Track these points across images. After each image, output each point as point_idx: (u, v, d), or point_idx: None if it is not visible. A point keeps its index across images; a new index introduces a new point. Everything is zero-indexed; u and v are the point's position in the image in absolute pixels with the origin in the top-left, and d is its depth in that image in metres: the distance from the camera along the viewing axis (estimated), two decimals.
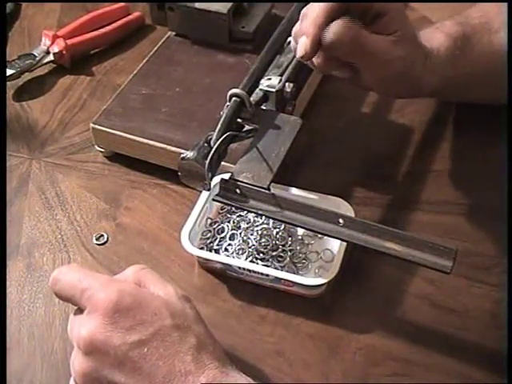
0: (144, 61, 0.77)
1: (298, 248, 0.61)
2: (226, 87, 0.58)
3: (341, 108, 0.76)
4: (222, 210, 0.64)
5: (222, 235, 0.62)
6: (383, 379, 0.53)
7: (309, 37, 0.54)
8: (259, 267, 0.58)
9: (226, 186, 0.54)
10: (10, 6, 0.91)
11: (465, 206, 0.64)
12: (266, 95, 0.62)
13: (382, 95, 0.71)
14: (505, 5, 0.62)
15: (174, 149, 0.66)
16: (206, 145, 0.55)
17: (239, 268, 0.58)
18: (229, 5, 0.75)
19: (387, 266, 0.59)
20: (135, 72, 0.75)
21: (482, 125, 0.71)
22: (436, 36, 0.61)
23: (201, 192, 0.62)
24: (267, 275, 0.57)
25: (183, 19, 0.78)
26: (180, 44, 0.79)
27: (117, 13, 0.88)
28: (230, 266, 0.58)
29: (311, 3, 0.56)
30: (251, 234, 0.62)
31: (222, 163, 0.56)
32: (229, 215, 0.64)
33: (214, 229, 0.63)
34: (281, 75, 0.63)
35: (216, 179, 0.56)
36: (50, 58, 0.81)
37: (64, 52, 0.81)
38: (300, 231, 0.62)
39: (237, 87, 0.58)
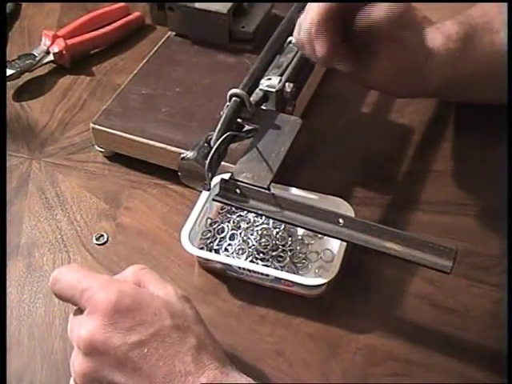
0: (144, 61, 0.77)
1: (298, 248, 0.61)
2: (225, 87, 0.58)
3: (341, 108, 0.76)
4: (222, 209, 0.64)
5: (222, 235, 0.62)
6: (383, 379, 0.53)
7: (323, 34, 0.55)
8: (259, 267, 0.58)
9: (226, 186, 0.54)
10: (10, 5, 0.91)
11: (465, 206, 0.64)
12: (265, 95, 0.62)
13: (383, 93, 0.71)
14: (505, 5, 0.62)
15: (174, 149, 0.66)
16: (205, 145, 0.55)
17: (239, 268, 0.58)
18: (229, 5, 0.75)
19: (387, 266, 0.60)
20: (135, 72, 0.75)
21: (482, 125, 0.71)
22: (437, 36, 0.61)
23: (201, 192, 0.62)
24: (267, 275, 0.57)
25: (183, 19, 0.78)
26: (180, 44, 0.79)
27: (117, 13, 0.88)
28: (230, 265, 0.58)
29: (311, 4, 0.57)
30: (251, 234, 0.62)
31: (222, 163, 0.56)
32: (229, 215, 0.64)
33: (214, 229, 0.63)
34: (281, 75, 0.63)
35: (216, 179, 0.56)
36: (50, 58, 0.81)
37: (64, 52, 0.81)
38: (300, 231, 0.62)
39: (237, 87, 0.58)
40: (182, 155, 0.54)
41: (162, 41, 0.80)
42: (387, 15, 0.55)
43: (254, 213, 0.56)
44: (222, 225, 0.63)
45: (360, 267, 0.60)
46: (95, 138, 0.70)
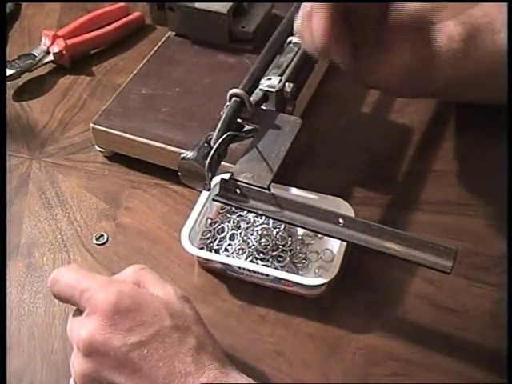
0: (144, 61, 0.77)
1: (298, 248, 0.61)
2: (225, 87, 0.58)
3: (341, 108, 0.76)
4: (222, 210, 0.64)
5: (222, 235, 0.62)
6: (383, 379, 0.53)
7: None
8: (259, 267, 0.58)
9: (226, 186, 0.54)
10: (10, 5, 0.91)
11: (465, 206, 0.64)
12: (265, 95, 0.62)
13: (383, 92, 0.70)
14: (505, 5, 0.62)
15: (174, 149, 0.66)
16: (206, 145, 0.55)
17: (239, 268, 0.58)
18: (229, 5, 0.75)
19: (387, 266, 0.60)
20: (135, 72, 0.75)
21: (482, 125, 0.71)
22: (439, 36, 0.61)
23: (201, 192, 0.62)
24: (267, 275, 0.57)
25: (183, 19, 0.78)
26: (180, 44, 0.79)
27: (117, 13, 0.88)
28: (230, 266, 0.58)
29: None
30: (251, 234, 0.62)
31: (222, 163, 0.56)
32: (229, 215, 0.64)
33: (214, 229, 0.63)
34: (281, 75, 0.63)
35: (216, 179, 0.56)
36: (50, 58, 0.81)
37: (64, 52, 0.81)
38: (300, 231, 0.62)
39: (237, 87, 0.58)
40: (182, 155, 0.54)
41: (162, 41, 0.80)
42: (419, 11, 0.54)
43: (254, 213, 0.56)
44: (222, 225, 0.63)
45: (360, 267, 0.60)
46: (95, 138, 0.70)
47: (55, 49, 0.81)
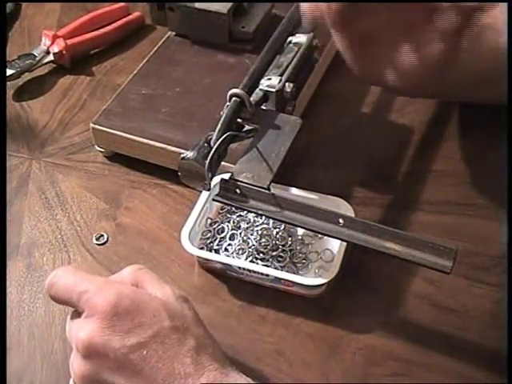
0: (144, 61, 0.77)
1: (298, 248, 0.61)
2: (225, 87, 0.58)
3: (341, 108, 0.76)
4: (221, 210, 0.64)
5: (222, 235, 0.62)
6: (383, 379, 0.53)
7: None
8: (259, 267, 0.58)
9: (226, 185, 0.54)
10: (10, 5, 0.91)
11: (465, 206, 0.64)
12: (265, 95, 0.62)
13: (386, 89, 0.70)
14: (505, 5, 0.62)
15: (174, 149, 0.65)
16: (206, 145, 0.55)
17: (239, 268, 0.58)
18: (229, 5, 0.75)
19: (387, 266, 0.59)
20: (135, 72, 0.75)
21: (482, 125, 0.71)
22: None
23: (201, 192, 0.62)
24: (267, 275, 0.57)
25: (183, 19, 0.78)
26: (180, 44, 0.79)
27: (117, 13, 0.88)
28: (230, 265, 0.58)
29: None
30: (251, 234, 0.62)
31: (222, 163, 0.56)
32: (229, 215, 0.64)
33: (214, 229, 0.63)
34: (281, 75, 0.63)
35: (216, 179, 0.56)
36: (50, 58, 0.81)
37: (64, 52, 0.81)
38: (300, 231, 0.62)
39: (237, 87, 0.58)
40: (182, 155, 0.54)
41: (162, 41, 0.80)
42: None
43: (254, 213, 0.56)
44: (222, 225, 0.63)
45: (360, 267, 0.60)
46: (95, 138, 0.70)
47: (55, 49, 0.81)
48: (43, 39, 0.82)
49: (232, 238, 0.62)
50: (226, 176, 0.55)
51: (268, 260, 0.60)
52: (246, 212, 0.63)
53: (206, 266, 0.61)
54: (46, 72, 0.83)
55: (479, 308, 0.57)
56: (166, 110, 0.70)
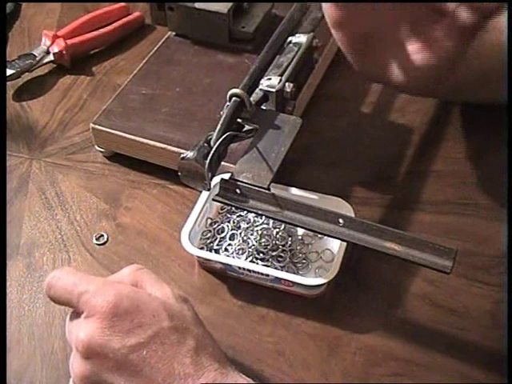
0: (144, 61, 0.77)
1: (298, 248, 0.61)
2: (225, 87, 0.58)
3: (341, 108, 0.76)
4: (222, 210, 0.64)
5: (222, 235, 0.62)
6: (383, 379, 0.53)
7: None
8: (259, 267, 0.58)
9: (226, 185, 0.54)
10: (10, 5, 0.91)
11: (465, 206, 0.64)
12: (265, 95, 0.62)
13: (388, 86, 0.69)
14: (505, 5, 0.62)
15: (174, 149, 0.65)
16: (205, 145, 0.55)
17: (239, 268, 0.58)
18: (229, 5, 0.75)
19: (387, 266, 0.59)
20: (135, 72, 0.75)
21: (482, 125, 0.71)
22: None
23: (201, 192, 0.62)
24: (267, 275, 0.57)
25: (183, 19, 0.78)
26: (180, 44, 0.79)
27: (117, 13, 0.88)
28: (230, 265, 0.58)
29: None
30: (251, 234, 0.62)
31: (222, 163, 0.56)
32: (229, 215, 0.64)
33: (214, 229, 0.63)
34: (281, 75, 0.63)
35: (216, 179, 0.56)
36: (50, 58, 0.81)
37: (64, 52, 0.81)
38: (300, 231, 0.62)
39: (237, 87, 0.58)
40: (182, 155, 0.54)
41: (162, 41, 0.80)
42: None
43: (254, 213, 0.56)
44: (222, 225, 0.63)
45: (360, 267, 0.60)
46: (95, 137, 0.70)
47: (55, 49, 0.81)
48: (43, 39, 0.82)
49: (232, 237, 0.62)
50: (226, 176, 0.55)
51: (268, 260, 0.60)
52: (245, 212, 0.63)
53: (206, 266, 0.61)
54: (46, 72, 0.83)
55: (479, 308, 0.57)
56: (165, 110, 0.70)
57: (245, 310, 0.58)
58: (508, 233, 0.60)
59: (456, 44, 0.54)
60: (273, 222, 0.62)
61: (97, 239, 0.64)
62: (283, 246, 0.61)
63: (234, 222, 0.63)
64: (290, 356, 0.55)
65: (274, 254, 0.60)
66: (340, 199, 0.61)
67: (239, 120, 0.58)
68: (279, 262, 0.60)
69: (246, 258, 0.60)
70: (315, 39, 0.68)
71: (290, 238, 0.61)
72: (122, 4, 0.89)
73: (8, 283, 0.60)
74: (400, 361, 0.54)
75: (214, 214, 0.64)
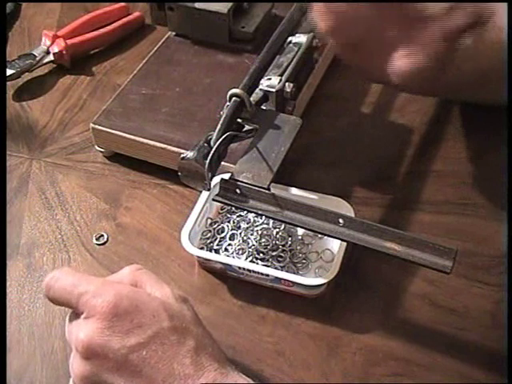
0: (144, 61, 0.77)
1: (298, 248, 0.61)
2: (225, 87, 0.58)
3: (341, 108, 0.76)
4: (222, 210, 0.64)
5: (222, 235, 0.62)
6: (383, 379, 0.53)
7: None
8: (259, 267, 0.58)
9: (226, 185, 0.54)
10: (10, 5, 0.91)
11: (465, 206, 0.64)
12: (265, 95, 0.62)
13: (388, 86, 0.70)
14: (505, 5, 0.62)
15: (174, 149, 0.65)
16: (205, 145, 0.55)
17: (239, 268, 0.58)
18: (229, 5, 0.75)
19: (387, 266, 0.59)
20: (135, 72, 0.75)
21: (482, 125, 0.71)
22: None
23: (201, 192, 0.62)
24: (267, 275, 0.57)
25: (183, 19, 0.78)
26: (180, 44, 0.79)
27: (117, 13, 0.88)
28: (230, 265, 0.58)
29: None
30: (251, 234, 0.62)
31: (222, 163, 0.56)
32: (229, 215, 0.64)
33: (214, 229, 0.63)
34: (281, 75, 0.63)
35: (216, 179, 0.56)
36: (50, 58, 0.81)
37: (64, 52, 0.81)
38: (300, 231, 0.62)
39: (237, 87, 0.58)
40: (182, 155, 0.54)
41: (162, 41, 0.80)
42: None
43: (254, 213, 0.56)
44: (222, 225, 0.63)
45: (360, 267, 0.60)
46: (95, 137, 0.70)
47: (55, 49, 0.81)
48: (43, 39, 0.82)
49: (232, 237, 0.62)
50: (226, 176, 0.55)
51: (268, 260, 0.60)
52: (245, 212, 0.63)
53: (206, 266, 0.61)
54: (46, 72, 0.83)
55: (479, 308, 0.57)
56: (166, 110, 0.70)
57: (245, 310, 0.58)
58: (508, 233, 0.60)
59: (440, 49, 0.55)
60: (273, 222, 0.62)
61: (97, 239, 0.64)
62: (283, 245, 0.61)
63: (234, 222, 0.63)
64: (290, 356, 0.55)
65: (274, 254, 0.60)
66: (340, 199, 0.61)
67: (239, 120, 0.58)
68: (279, 261, 0.60)
69: (246, 258, 0.60)
70: (315, 39, 0.68)
71: (289, 238, 0.61)
72: (122, 4, 0.89)
73: (8, 283, 0.60)
74: (400, 361, 0.54)
75: (214, 214, 0.64)
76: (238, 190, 0.54)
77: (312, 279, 0.56)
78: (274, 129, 0.58)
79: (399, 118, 0.74)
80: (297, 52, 0.66)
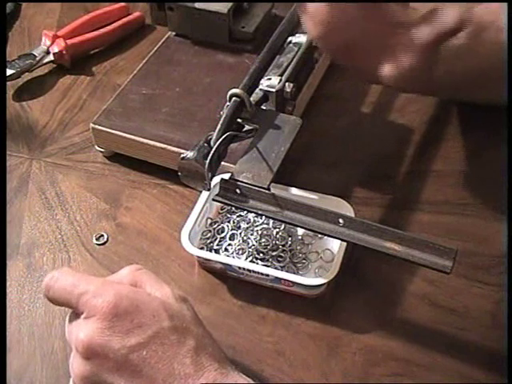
0: (144, 61, 0.77)
1: (298, 248, 0.61)
2: (225, 87, 0.58)
3: (341, 108, 0.76)
4: (222, 210, 0.64)
5: (222, 235, 0.62)
6: (383, 379, 0.53)
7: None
8: (259, 267, 0.58)
9: (226, 185, 0.54)
10: (10, 5, 0.91)
11: (465, 206, 0.64)
12: (265, 95, 0.62)
13: (387, 86, 0.70)
14: (505, 5, 0.62)
15: (174, 149, 0.65)
16: (205, 145, 0.55)
17: (239, 268, 0.58)
18: (229, 5, 0.75)
19: (387, 266, 0.59)
20: (135, 72, 0.75)
21: (482, 125, 0.71)
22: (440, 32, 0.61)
23: (201, 192, 0.62)
24: (267, 275, 0.57)
25: (183, 19, 0.78)
26: (180, 44, 0.79)
27: (117, 13, 0.88)
28: (230, 265, 0.58)
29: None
30: (251, 234, 0.62)
31: (222, 163, 0.56)
32: (229, 215, 0.64)
33: (214, 229, 0.63)
34: (281, 75, 0.63)
35: (216, 179, 0.56)
36: (50, 58, 0.81)
37: (64, 52, 0.81)
38: (300, 231, 0.62)
39: (237, 87, 0.58)
40: (182, 155, 0.54)
41: (162, 41, 0.80)
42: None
43: (254, 213, 0.56)
44: (222, 225, 0.63)
45: (360, 267, 0.60)
46: (95, 137, 0.70)
47: (55, 49, 0.81)
48: (43, 39, 0.82)
49: (232, 237, 0.62)
50: (226, 176, 0.55)
51: (268, 260, 0.60)
52: (245, 212, 0.63)
53: (206, 266, 0.61)
54: (46, 72, 0.83)
55: (479, 308, 0.57)
56: (166, 110, 0.70)
57: (245, 310, 0.58)
58: (508, 233, 0.60)
59: (422, 54, 0.56)
60: (273, 222, 0.62)
61: (97, 239, 0.64)
62: (283, 246, 0.61)
63: (234, 222, 0.63)
64: (290, 356, 0.55)
65: (274, 253, 0.60)
66: (340, 199, 0.61)
67: (239, 120, 0.58)
68: (279, 261, 0.60)
69: (246, 258, 0.60)
70: None
71: (289, 238, 0.61)
72: (122, 4, 0.89)
73: (8, 283, 0.60)
74: (400, 361, 0.54)
75: (214, 214, 0.64)
76: (238, 190, 0.54)
77: (312, 279, 0.56)
78: (274, 129, 0.58)
79: (399, 117, 0.74)
80: (297, 52, 0.66)
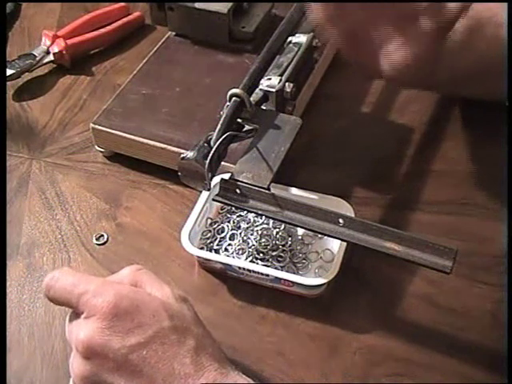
0: (144, 61, 0.77)
1: (298, 248, 0.61)
2: (225, 87, 0.58)
3: (341, 108, 0.76)
4: (222, 210, 0.64)
5: (222, 235, 0.62)
6: (383, 379, 0.53)
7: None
8: (259, 267, 0.58)
9: (226, 185, 0.54)
10: (10, 5, 0.91)
11: (465, 206, 0.64)
12: (265, 95, 0.62)
13: (387, 80, 0.70)
14: (505, 5, 0.62)
15: (174, 149, 0.65)
16: (205, 145, 0.55)
17: (239, 268, 0.58)
18: (229, 5, 0.75)
19: (387, 266, 0.59)
20: (135, 72, 0.75)
21: (482, 125, 0.71)
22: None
23: (201, 192, 0.62)
24: (267, 275, 0.57)
25: (183, 19, 0.78)
26: (180, 44, 0.79)
27: (117, 13, 0.88)
28: (230, 265, 0.58)
29: None
30: (251, 234, 0.62)
31: (222, 163, 0.56)
32: (229, 215, 0.64)
33: (214, 229, 0.63)
34: (281, 75, 0.63)
35: (216, 179, 0.56)
36: (50, 58, 0.81)
37: (64, 52, 0.81)
38: (300, 231, 0.62)
39: (237, 87, 0.58)
40: (182, 155, 0.54)
41: (162, 41, 0.80)
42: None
43: (254, 213, 0.56)
44: (222, 225, 0.63)
45: (360, 267, 0.60)
46: (95, 137, 0.70)
47: (55, 49, 0.81)
48: (43, 39, 0.82)
49: (232, 237, 0.62)
50: (226, 176, 0.55)
51: (268, 260, 0.60)
52: (245, 212, 0.63)
53: (206, 266, 0.61)
54: (46, 72, 0.83)
55: (479, 308, 0.57)
56: (166, 110, 0.70)
57: (245, 310, 0.58)
58: (508, 233, 0.60)
59: (429, 44, 0.56)
60: (273, 222, 0.62)
61: (97, 239, 0.64)
62: (283, 246, 0.61)
63: (234, 222, 0.63)
64: (290, 356, 0.55)
65: (274, 253, 0.60)
66: (340, 199, 0.61)
67: (239, 120, 0.58)
68: (279, 261, 0.60)
69: (246, 258, 0.60)
70: (315, 39, 0.68)
71: (289, 238, 0.61)
72: (122, 4, 0.89)
73: (8, 283, 0.60)
74: (400, 361, 0.54)
75: (214, 214, 0.64)
76: (238, 190, 0.54)
77: (312, 279, 0.56)
78: (274, 129, 0.58)
79: (399, 117, 0.74)
80: (297, 52, 0.66)
